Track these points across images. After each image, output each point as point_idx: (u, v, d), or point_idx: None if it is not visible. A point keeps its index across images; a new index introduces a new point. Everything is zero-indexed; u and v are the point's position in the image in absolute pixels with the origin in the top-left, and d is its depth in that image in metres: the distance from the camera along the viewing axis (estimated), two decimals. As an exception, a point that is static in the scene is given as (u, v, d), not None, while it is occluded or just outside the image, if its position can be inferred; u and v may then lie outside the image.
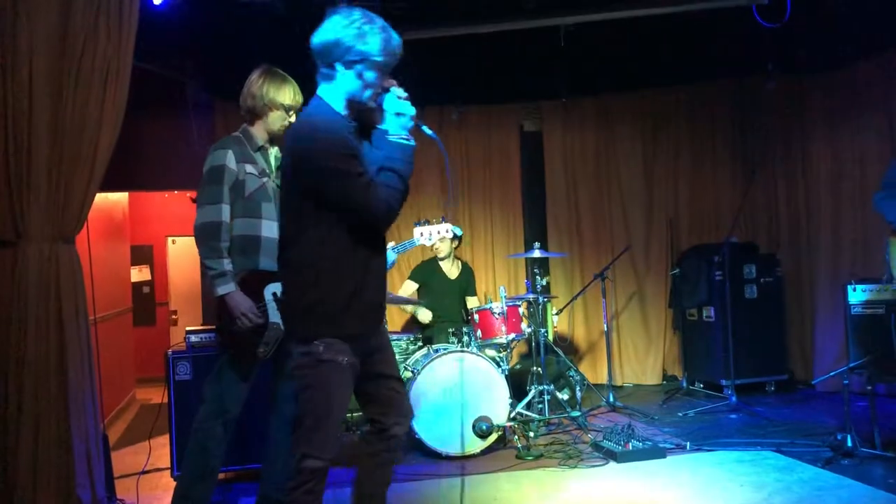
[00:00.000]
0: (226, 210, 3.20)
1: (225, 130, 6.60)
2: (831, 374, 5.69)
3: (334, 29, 2.45)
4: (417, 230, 3.70)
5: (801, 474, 4.03)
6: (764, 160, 7.14)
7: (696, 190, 7.41)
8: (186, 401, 4.19)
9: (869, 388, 4.41)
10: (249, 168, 3.26)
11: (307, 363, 2.48)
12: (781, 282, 6.72)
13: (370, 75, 2.48)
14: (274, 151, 3.42)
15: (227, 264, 3.17)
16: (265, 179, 3.31)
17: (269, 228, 3.28)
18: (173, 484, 4.28)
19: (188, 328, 4.50)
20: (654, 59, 6.72)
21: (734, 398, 5.89)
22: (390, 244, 3.65)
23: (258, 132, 3.35)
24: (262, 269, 3.27)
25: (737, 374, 6.09)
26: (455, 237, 3.87)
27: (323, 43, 2.47)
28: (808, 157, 6.74)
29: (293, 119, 3.32)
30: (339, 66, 2.48)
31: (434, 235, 3.65)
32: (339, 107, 2.53)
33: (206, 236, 3.18)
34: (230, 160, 3.22)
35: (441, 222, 3.73)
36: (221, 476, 4.18)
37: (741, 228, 6.99)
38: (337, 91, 2.52)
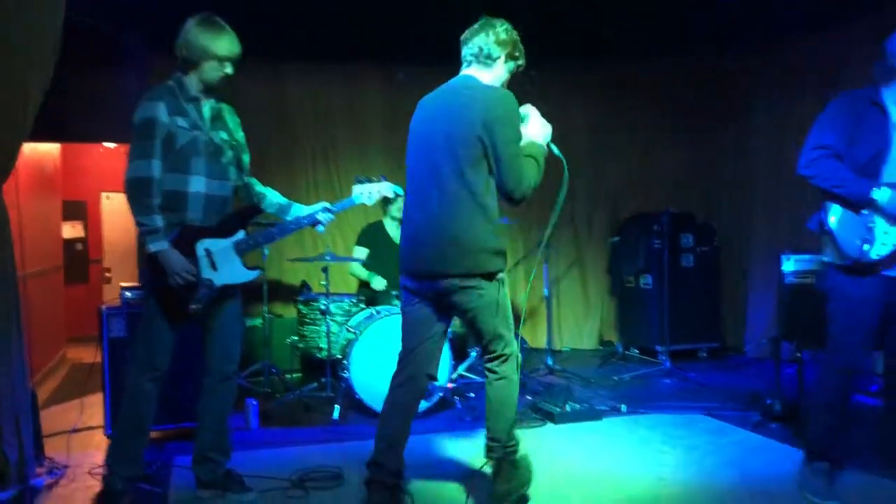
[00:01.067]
0: (157, 165, 3.06)
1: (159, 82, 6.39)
2: (762, 341, 5.92)
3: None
4: (358, 188, 3.54)
5: (732, 437, 4.16)
6: (704, 130, 7.27)
7: (638, 160, 7.52)
8: (121, 358, 4.09)
9: (798, 354, 4.58)
10: (181, 121, 3.10)
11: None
12: (717, 251, 6.88)
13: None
14: (209, 103, 3.24)
15: (158, 220, 3.04)
16: (197, 133, 3.14)
17: (198, 183, 3.15)
18: (106, 442, 4.23)
19: (123, 284, 4.38)
20: (600, 32, 6.71)
21: (668, 363, 6.05)
22: (325, 204, 3.49)
23: (192, 82, 3.16)
24: (192, 225, 3.17)
25: (671, 341, 6.25)
26: (396, 196, 3.73)
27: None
28: (749, 131, 6.89)
29: (230, 70, 3.17)
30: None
31: (375, 195, 3.52)
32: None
33: (137, 192, 3.04)
34: (161, 112, 3.04)
35: (380, 180, 3.59)
36: (155, 435, 4.11)
37: (680, 198, 7.12)
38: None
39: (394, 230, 6.03)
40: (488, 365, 3.11)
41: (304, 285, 6.08)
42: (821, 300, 3.32)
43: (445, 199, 2.94)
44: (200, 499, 3.32)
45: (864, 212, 3.07)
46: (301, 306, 5.51)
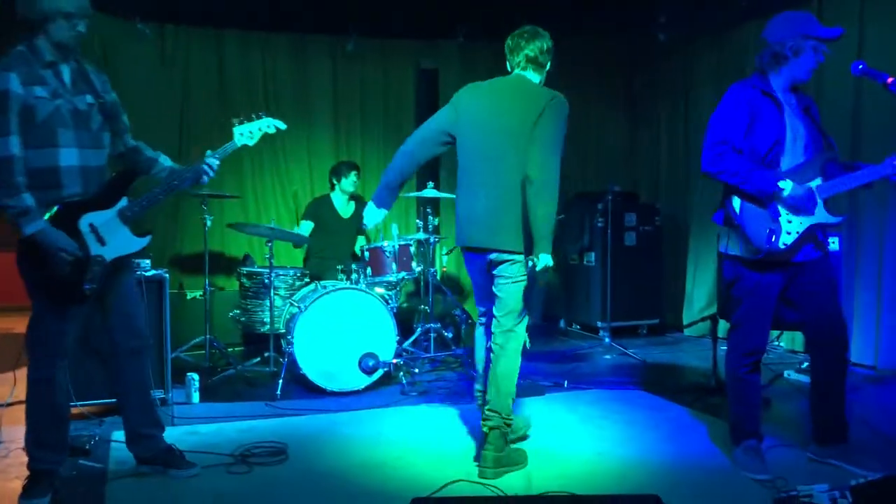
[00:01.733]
0: (15, 141, 2.80)
1: (101, 46, 6.17)
2: (699, 318, 6.08)
3: None
4: (237, 130, 3.31)
5: (670, 412, 4.28)
6: (649, 113, 7.37)
7: (584, 139, 7.59)
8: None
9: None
10: (39, 90, 2.83)
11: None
12: (660, 230, 7.02)
13: None
14: (69, 66, 2.96)
15: (28, 199, 2.80)
16: (59, 101, 2.89)
17: (70, 156, 2.92)
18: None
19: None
20: (549, 7, 6.71)
21: (609, 340, 6.17)
22: (207, 153, 3.27)
23: (44, 46, 2.88)
24: (70, 201, 2.94)
25: (612, 318, 6.37)
26: (277, 130, 3.55)
27: None
28: (692, 112, 7.00)
29: (82, 28, 2.90)
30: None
31: (256, 133, 3.32)
32: None
33: None
34: (14, 84, 2.78)
35: (260, 118, 3.38)
36: (93, 409, 4.02)
37: (624, 178, 7.23)
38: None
39: (342, 204, 5.97)
40: (496, 338, 3.43)
41: (247, 258, 5.99)
42: (725, 287, 3.44)
43: (502, 186, 3.35)
44: (142, 475, 3.24)
45: (769, 204, 3.17)
46: (244, 279, 5.43)
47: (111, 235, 3.02)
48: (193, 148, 6.22)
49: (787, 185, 3.12)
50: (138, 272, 3.97)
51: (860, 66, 3.12)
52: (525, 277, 3.35)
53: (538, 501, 2.42)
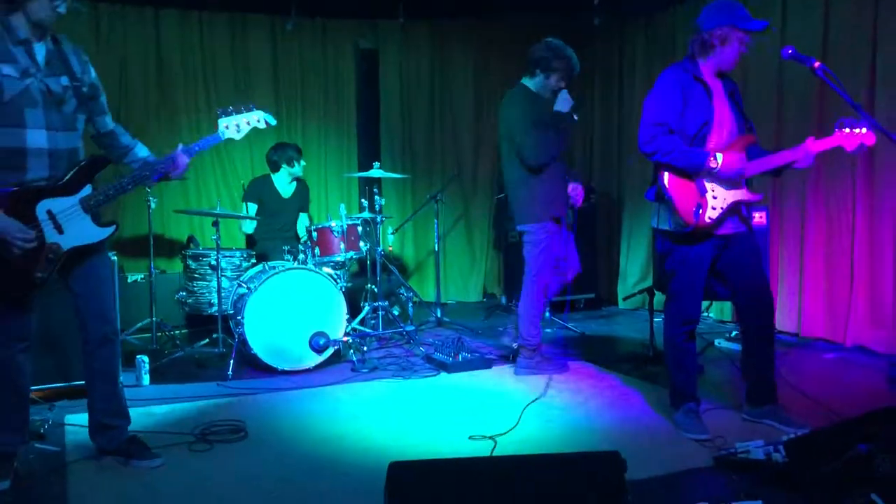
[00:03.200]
0: None
1: None
2: (635, 292, 6.33)
3: None
4: (222, 122, 3.16)
5: (611, 381, 4.49)
6: (583, 94, 7.56)
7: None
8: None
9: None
10: (7, 69, 2.76)
11: None
12: (595, 208, 7.25)
13: None
14: (44, 44, 2.90)
15: None
16: (29, 81, 2.80)
17: (38, 137, 2.83)
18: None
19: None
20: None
21: (548, 314, 6.37)
22: (181, 146, 3.11)
23: (19, 22, 2.80)
24: (28, 187, 2.85)
25: (551, 293, 6.56)
26: (269, 126, 3.43)
27: None
28: (624, 93, 7.23)
29: (62, 8, 2.83)
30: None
31: (244, 127, 3.16)
32: None
33: None
34: None
35: (250, 110, 3.20)
36: (45, 393, 3.97)
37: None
38: None
39: (283, 185, 5.96)
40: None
41: (192, 240, 5.95)
42: (659, 260, 3.65)
43: None
44: (103, 468, 3.17)
45: (697, 180, 3.39)
46: (190, 261, 5.40)
47: (70, 224, 2.93)
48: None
49: (718, 160, 3.34)
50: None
51: (789, 51, 3.33)
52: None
53: (507, 462, 2.55)
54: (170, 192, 6.43)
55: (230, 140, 3.23)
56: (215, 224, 5.03)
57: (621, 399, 4.12)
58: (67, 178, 2.94)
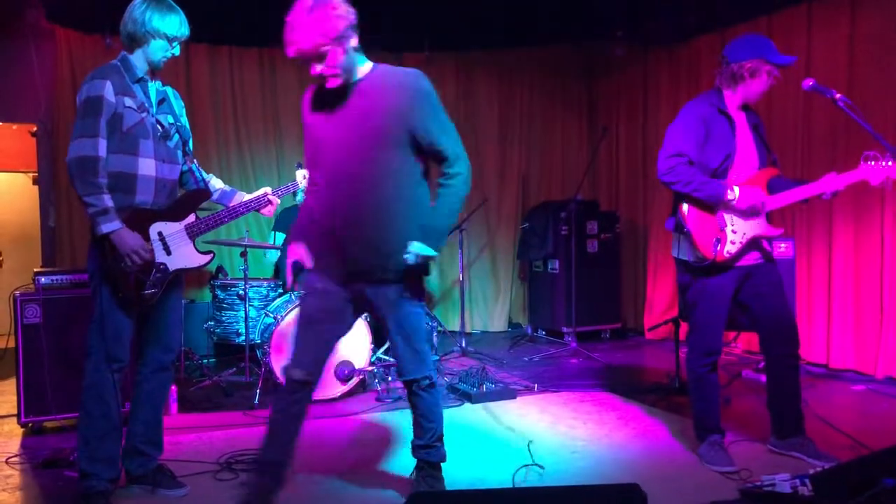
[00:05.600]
0: (102, 144, 2.97)
1: (69, 61, 6.19)
2: (660, 322, 6.30)
3: None
4: (300, 172, 3.43)
5: (636, 412, 4.46)
6: (608, 123, 7.62)
7: (546, 148, 7.84)
8: (35, 345, 4.02)
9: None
10: (128, 101, 3.01)
11: None
12: (620, 237, 7.26)
13: None
14: (155, 85, 3.17)
15: (108, 200, 2.96)
16: (144, 114, 3.06)
17: (148, 166, 3.08)
18: (19, 430, 4.15)
19: (36, 270, 4.27)
20: (511, 20, 6.92)
21: (574, 344, 6.36)
22: (267, 189, 3.41)
23: (139, 62, 3.07)
24: (144, 208, 3.09)
25: (576, 323, 6.57)
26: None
27: None
28: (649, 121, 7.26)
29: (177, 51, 3.11)
30: None
31: None
32: None
33: (83, 171, 2.94)
34: (108, 91, 2.96)
35: None
36: (66, 422, 4.04)
37: (585, 186, 7.46)
38: None
39: (311, 216, 6.03)
40: None
41: (221, 270, 6.04)
42: (681, 291, 3.65)
43: None
44: (130, 496, 3.22)
45: (717, 213, 3.41)
46: (218, 291, 5.49)
47: (177, 247, 3.14)
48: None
49: (734, 195, 3.35)
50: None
51: (810, 83, 3.35)
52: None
53: (529, 493, 2.56)
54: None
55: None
56: (243, 254, 5.12)
57: (646, 430, 4.09)
58: (176, 205, 3.20)
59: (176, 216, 3.17)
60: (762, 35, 3.50)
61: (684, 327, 5.04)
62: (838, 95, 3.28)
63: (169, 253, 3.12)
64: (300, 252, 2.95)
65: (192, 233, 3.19)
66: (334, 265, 2.89)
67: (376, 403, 4.77)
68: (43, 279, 4.11)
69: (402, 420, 4.40)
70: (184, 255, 3.17)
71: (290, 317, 4.76)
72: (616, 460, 3.62)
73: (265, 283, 5.56)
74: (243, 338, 5.16)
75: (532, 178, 7.85)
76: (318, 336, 2.97)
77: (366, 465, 3.62)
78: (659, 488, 3.17)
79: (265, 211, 3.41)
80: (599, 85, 7.93)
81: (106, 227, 2.95)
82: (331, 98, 2.85)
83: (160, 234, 3.11)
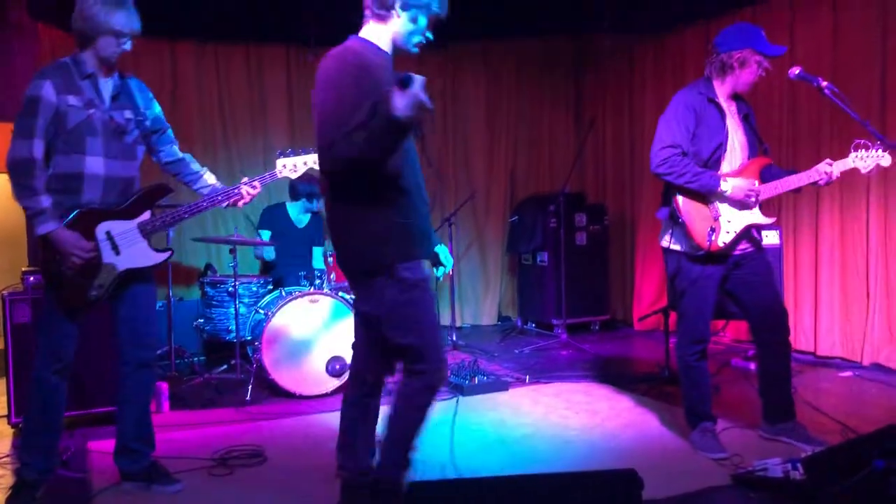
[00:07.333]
0: (38, 145, 2.93)
1: (52, 59, 6.12)
2: (650, 313, 6.34)
3: None
4: (280, 162, 3.28)
5: (628, 401, 4.49)
6: (595, 115, 7.65)
7: (533, 141, 7.86)
8: (25, 345, 3.98)
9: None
10: (73, 99, 2.97)
11: None
12: (608, 229, 7.29)
13: (423, 22, 2.65)
14: (111, 80, 3.09)
15: (44, 201, 2.92)
16: (92, 111, 3.01)
17: (95, 164, 3.02)
18: (10, 431, 4.13)
19: (24, 269, 4.25)
20: (497, 13, 6.92)
21: (565, 336, 6.39)
22: (245, 179, 3.30)
23: (88, 58, 3.03)
24: (91, 208, 3.04)
25: (566, 315, 6.59)
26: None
27: None
28: (635, 113, 7.29)
29: (128, 46, 3.04)
30: (397, 9, 2.59)
31: (301, 166, 3.27)
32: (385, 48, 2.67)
33: (16, 174, 2.92)
34: (47, 91, 2.93)
35: (308, 153, 3.28)
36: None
37: (573, 179, 7.47)
38: (384, 32, 2.65)
39: (297, 215, 6.01)
40: None
41: (210, 267, 6.02)
42: (669, 280, 3.67)
43: None
44: (125, 493, 3.22)
45: (710, 203, 3.44)
46: (208, 288, 5.46)
47: (127, 246, 3.08)
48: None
49: (727, 186, 3.38)
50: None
51: (796, 72, 3.38)
52: None
53: (526, 480, 2.57)
54: (187, 220, 6.49)
55: (286, 178, 3.34)
56: (233, 251, 5.11)
57: (638, 419, 4.12)
58: (129, 202, 3.11)
59: (128, 214, 3.10)
60: (754, 25, 3.51)
61: (674, 317, 5.10)
62: (825, 83, 3.31)
63: (118, 252, 3.06)
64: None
65: (146, 231, 3.12)
66: None
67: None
68: (31, 278, 4.08)
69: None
70: (135, 253, 3.10)
71: (281, 313, 4.77)
72: (610, 448, 3.65)
73: (255, 280, 5.54)
74: (234, 335, 5.15)
75: (520, 172, 7.87)
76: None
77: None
78: (653, 475, 3.16)
79: (240, 203, 3.30)
80: (586, 77, 7.95)
81: (42, 229, 2.92)
82: None
83: (108, 233, 3.05)
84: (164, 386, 4.56)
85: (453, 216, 6.58)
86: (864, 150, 3.39)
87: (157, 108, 3.29)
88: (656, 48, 7.02)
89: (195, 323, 5.57)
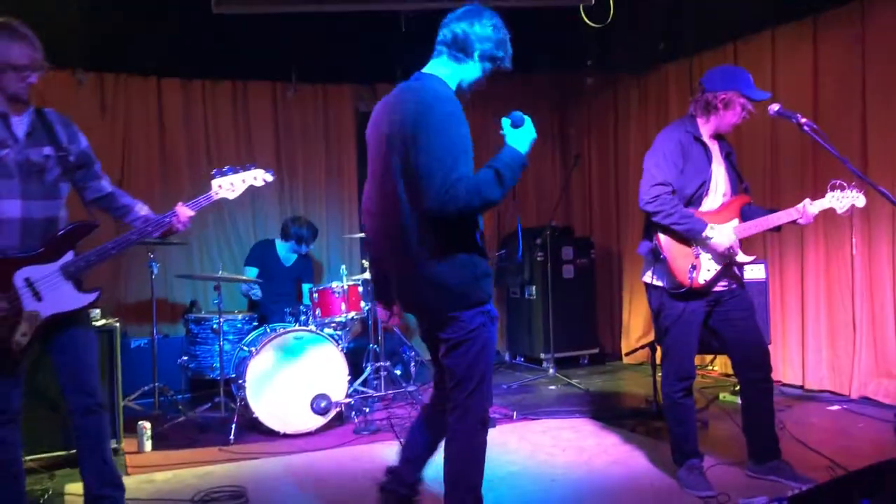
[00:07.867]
0: None
1: (37, 95, 6.12)
2: (637, 347, 6.31)
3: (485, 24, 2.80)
4: (215, 182, 3.09)
5: (616, 438, 4.45)
6: (580, 151, 7.70)
7: (521, 175, 7.86)
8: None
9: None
10: None
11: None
12: (595, 262, 7.29)
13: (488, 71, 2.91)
14: (25, 117, 2.94)
15: None
16: (5, 151, 2.85)
17: (11, 208, 2.86)
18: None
19: None
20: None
21: (553, 370, 6.35)
22: (179, 203, 3.11)
23: None
24: (4, 256, 2.87)
25: (555, 348, 6.57)
26: (266, 182, 3.37)
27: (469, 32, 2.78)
28: (620, 148, 7.34)
29: (33, 80, 2.87)
30: (475, 56, 2.81)
31: (239, 185, 3.11)
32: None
33: None
34: None
35: (246, 169, 3.14)
36: (42, 463, 3.96)
37: (559, 213, 7.50)
38: (455, 73, 2.85)
39: (285, 253, 6.01)
40: None
41: (195, 304, 5.98)
42: (654, 316, 3.67)
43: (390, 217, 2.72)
44: None
45: (693, 244, 3.45)
46: (192, 325, 5.42)
47: (50, 291, 2.91)
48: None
49: (713, 233, 3.39)
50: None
51: (776, 108, 3.41)
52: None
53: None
54: (172, 256, 6.47)
55: (225, 199, 3.19)
56: (217, 288, 5.07)
57: (625, 457, 4.08)
58: (49, 245, 2.94)
59: (47, 258, 2.93)
60: (740, 67, 3.56)
61: (660, 351, 5.09)
62: (804, 120, 3.34)
63: (40, 299, 2.89)
64: None
65: (69, 273, 2.95)
66: None
67: (354, 436, 4.71)
68: None
69: (380, 452, 4.35)
70: (59, 297, 2.93)
71: (265, 350, 4.73)
72: (596, 488, 3.61)
73: (240, 317, 5.51)
74: (218, 372, 5.10)
75: (506, 206, 7.88)
76: None
77: (342, 500, 3.57)
78: (639, 515, 3.17)
79: (174, 230, 3.12)
80: (570, 113, 8.02)
81: None
82: None
83: (27, 279, 2.88)
84: (147, 425, 4.49)
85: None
86: (839, 191, 3.42)
87: (84, 142, 3.12)
88: (639, 85, 7.09)
89: (180, 360, 5.51)
